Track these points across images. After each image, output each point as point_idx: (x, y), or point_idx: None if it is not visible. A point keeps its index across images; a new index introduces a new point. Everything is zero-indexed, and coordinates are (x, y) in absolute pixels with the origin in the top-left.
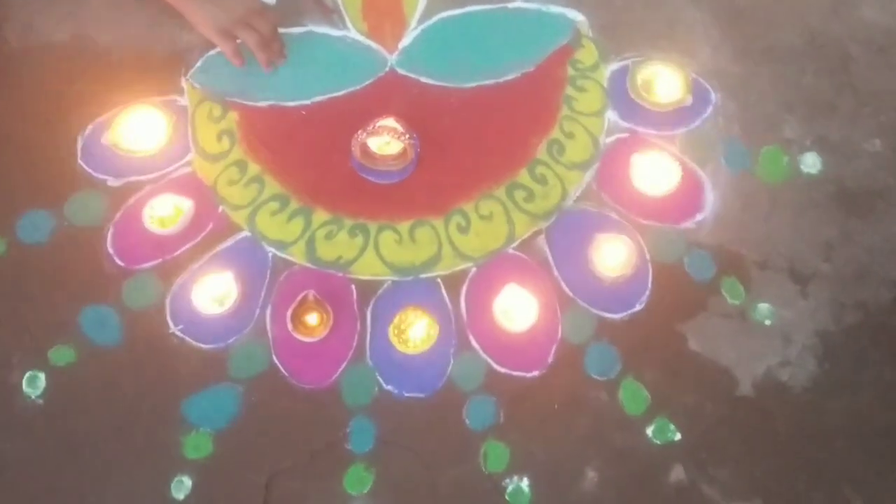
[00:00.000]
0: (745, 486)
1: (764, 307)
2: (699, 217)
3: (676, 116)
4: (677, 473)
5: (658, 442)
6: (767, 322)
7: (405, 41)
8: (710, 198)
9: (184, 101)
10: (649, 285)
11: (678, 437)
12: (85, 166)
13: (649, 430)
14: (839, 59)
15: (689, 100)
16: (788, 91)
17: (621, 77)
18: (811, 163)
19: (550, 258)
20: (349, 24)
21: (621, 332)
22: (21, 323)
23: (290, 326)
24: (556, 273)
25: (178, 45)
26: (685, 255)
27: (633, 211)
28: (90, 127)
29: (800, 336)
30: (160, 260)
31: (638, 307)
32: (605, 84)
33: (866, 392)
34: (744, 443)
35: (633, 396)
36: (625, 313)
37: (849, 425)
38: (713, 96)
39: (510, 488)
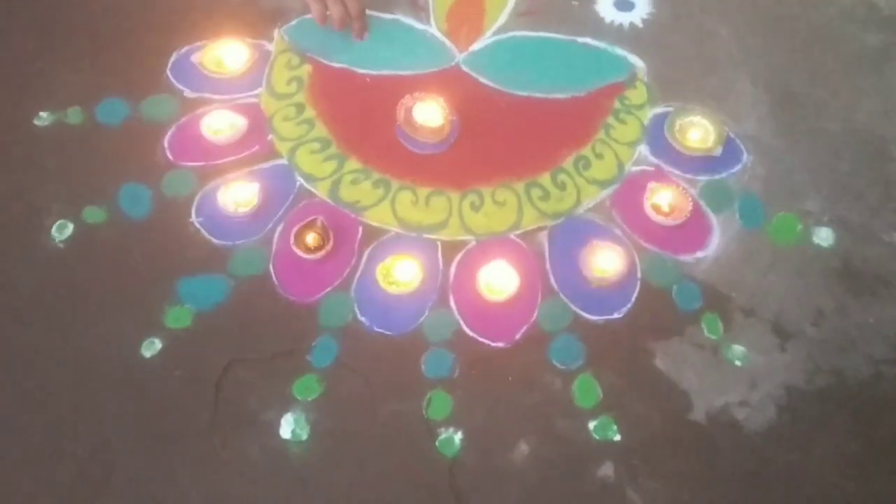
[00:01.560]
0: (669, 502)
1: (738, 349)
2: (699, 254)
3: (703, 163)
4: (606, 470)
5: (597, 437)
6: (738, 363)
7: (476, 46)
8: (715, 241)
9: (270, 47)
10: (633, 300)
11: (618, 438)
12: (170, 76)
13: (591, 424)
14: (878, 156)
15: (718, 150)
16: (820, 171)
17: (662, 119)
18: (824, 236)
19: (546, 252)
20: (432, 21)
21: (593, 333)
22: (69, 181)
23: (291, 240)
24: (547, 266)
25: (280, 4)
26: (675, 283)
27: (637, 232)
28: (186, 48)
29: (767, 384)
30: (203, 163)
31: (616, 315)
32: (646, 122)
33: (819, 455)
34: (681, 463)
35: (585, 390)
36: (602, 317)
37: (792, 481)
38: (745, 157)
39: (442, 436)
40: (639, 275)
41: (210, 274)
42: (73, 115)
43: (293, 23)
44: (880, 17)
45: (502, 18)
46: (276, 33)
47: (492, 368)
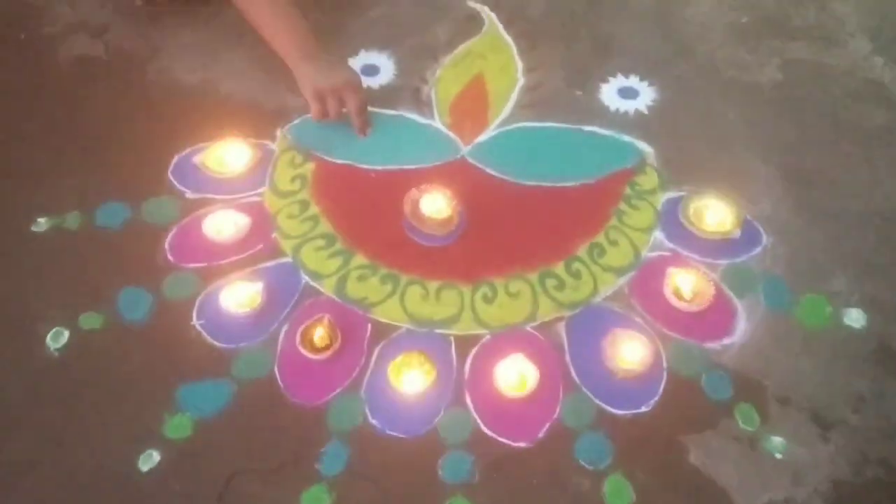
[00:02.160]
0: None
1: (777, 440)
2: (726, 341)
3: (722, 247)
4: None
5: None
6: (778, 455)
7: (481, 138)
8: (742, 326)
9: (273, 146)
10: (660, 391)
11: None
12: (171, 178)
13: None
14: None
15: (737, 233)
16: (844, 249)
17: (675, 204)
18: (855, 317)
19: (566, 344)
20: (436, 116)
21: (620, 428)
22: (66, 288)
23: (297, 340)
24: (567, 358)
25: (283, 103)
26: (704, 372)
27: (659, 320)
28: (188, 149)
29: (812, 479)
30: (206, 264)
31: (644, 409)
32: (659, 207)
33: None
34: None
35: (617, 492)
36: (628, 411)
37: None
38: (764, 238)
39: None
40: (664, 365)
41: (212, 379)
42: (72, 220)
43: (296, 121)
44: (888, 96)
45: (506, 111)
46: (278, 132)
47: (514, 470)
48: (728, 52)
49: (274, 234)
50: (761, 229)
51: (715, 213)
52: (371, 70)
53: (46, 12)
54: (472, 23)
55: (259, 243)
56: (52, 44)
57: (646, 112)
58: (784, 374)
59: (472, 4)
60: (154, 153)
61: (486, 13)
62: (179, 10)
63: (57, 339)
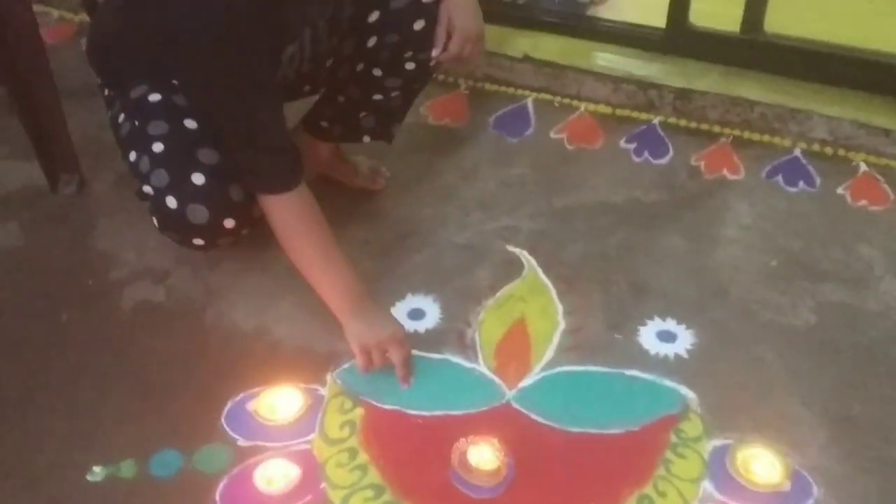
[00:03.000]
0: None
1: None
2: None
3: (774, 500)
4: None
5: None
6: None
7: (525, 382)
8: None
9: (324, 391)
10: None
11: None
12: (225, 425)
13: None
14: None
15: (787, 485)
16: None
17: (722, 453)
18: None
19: None
20: (480, 359)
21: None
22: None
23: None
24: None
25: (333, 348)
26: None
27: None
28: (241, 395)
29: None
30: None
31: None
32: (706, 456)
33: None
34: None
35: None
36: None
37: None
38: (815, 490)
39: None
40: None
41: None
42: (127, 469)
43: (345, 366)
44: None
45: (549, 354)
46: (328, 377)
47: None
48: (761, 294)
49: (323, 485)
50: (811, 480)
51: (762, 464)
52: (417, 314)
53: (114, 259)
54: (513, 266)
55: (308, 494)
56: (117, 289)
57: (685, 356)
58: None
59: (511, 249)
60: (208, 399)
61: (525, 257)
62: (238, 255)
63: None
